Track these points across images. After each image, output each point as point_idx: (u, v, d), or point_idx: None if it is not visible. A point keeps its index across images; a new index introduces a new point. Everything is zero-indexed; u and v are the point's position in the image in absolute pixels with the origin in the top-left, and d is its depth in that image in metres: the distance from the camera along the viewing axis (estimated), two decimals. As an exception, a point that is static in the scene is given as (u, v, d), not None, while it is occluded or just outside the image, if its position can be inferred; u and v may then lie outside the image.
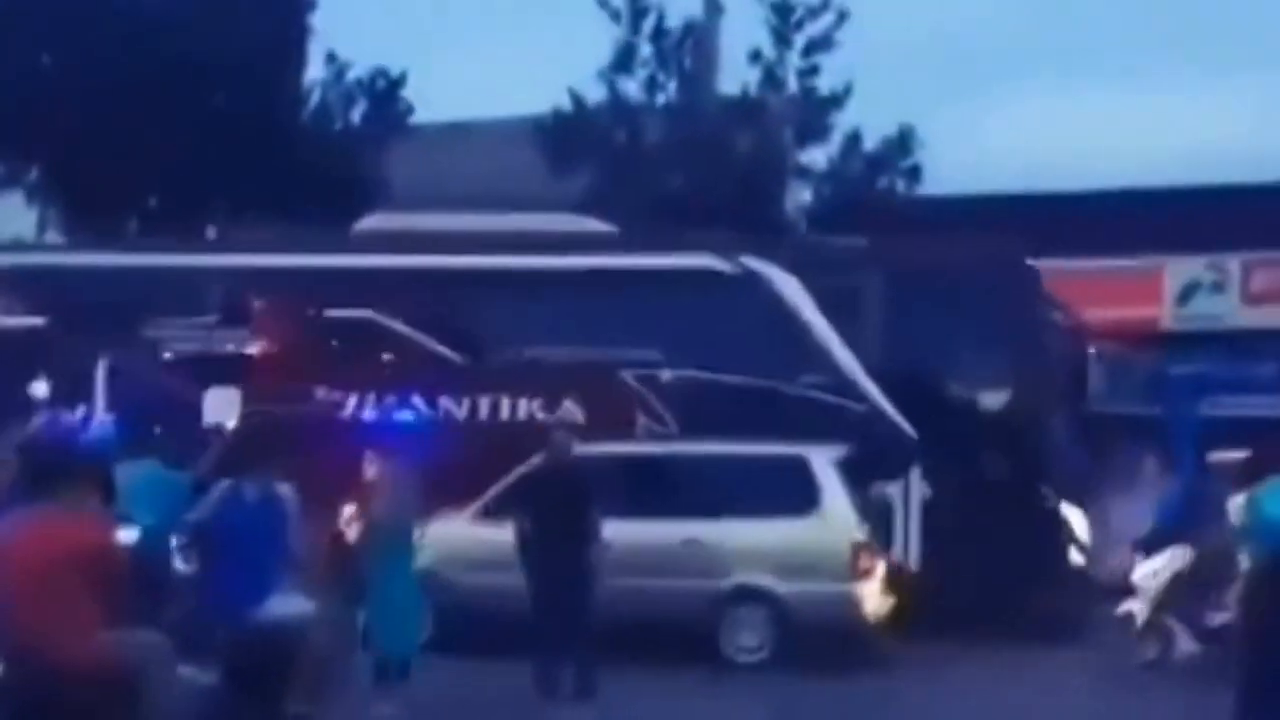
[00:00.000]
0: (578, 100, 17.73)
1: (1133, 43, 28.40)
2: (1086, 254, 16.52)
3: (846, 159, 18.09)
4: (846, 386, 10.57)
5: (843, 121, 17.84)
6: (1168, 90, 27.62)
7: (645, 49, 17.63)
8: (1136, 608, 9.64)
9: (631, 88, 17.67)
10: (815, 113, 17.85)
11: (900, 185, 18.10)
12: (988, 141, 25.37)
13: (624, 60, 17.63)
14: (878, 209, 17.26)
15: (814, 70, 17.69)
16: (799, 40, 17.63)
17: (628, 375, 10.90)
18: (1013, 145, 26.44)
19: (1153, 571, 9.64)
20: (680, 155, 17.25)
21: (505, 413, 11.19)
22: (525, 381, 11.21)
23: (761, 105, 17.77)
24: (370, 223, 12.25)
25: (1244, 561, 7.28)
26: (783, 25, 17.66)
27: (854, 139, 18.05)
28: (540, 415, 10.98)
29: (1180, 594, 9.46)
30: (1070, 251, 16.66)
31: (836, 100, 17.82)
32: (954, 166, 18.87)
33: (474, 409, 11.27)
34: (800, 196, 18.23)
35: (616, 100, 17.65)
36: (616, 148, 17.40)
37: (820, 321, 10.64)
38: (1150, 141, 24.62)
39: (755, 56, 17.67)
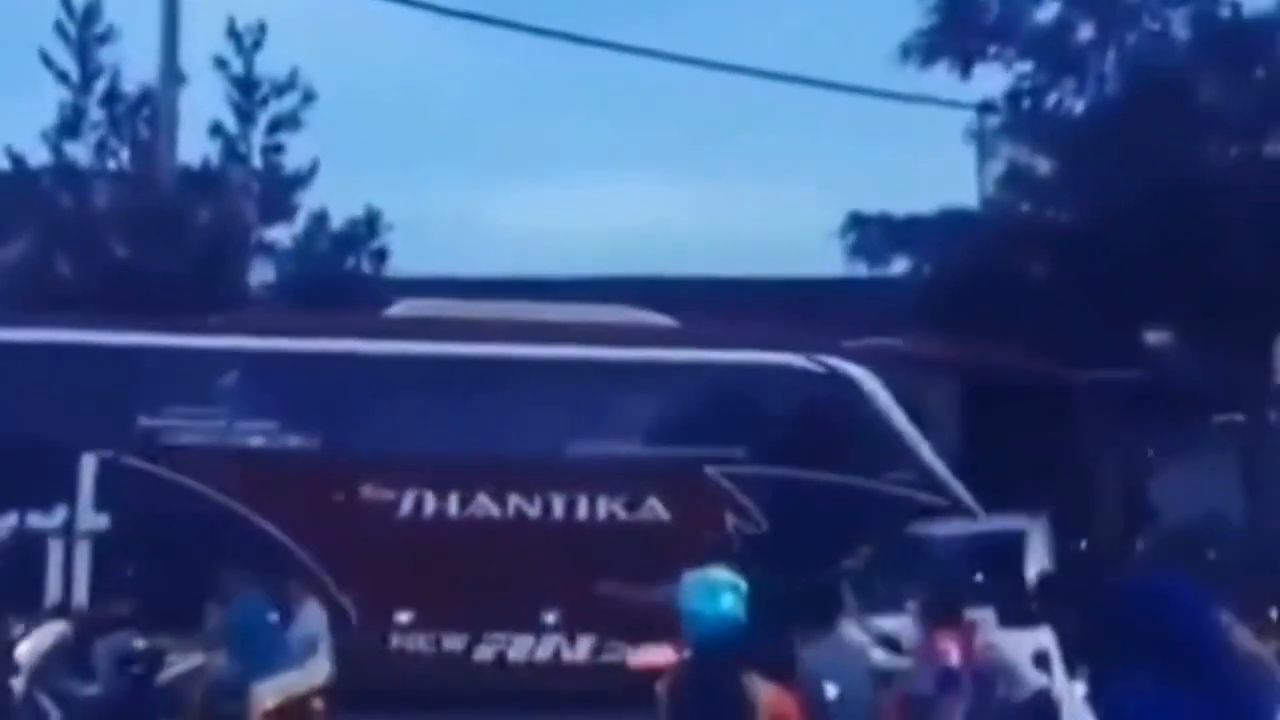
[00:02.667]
0: (17, 161, 16.37)
1: (589, 139, 29.71)
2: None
3: (312, 237, 17.77)
4: (927, 480, 10.57)
5: (308, 200, 17.58)
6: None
7: (96, 113, 16.62)
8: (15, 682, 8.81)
9: (79, 152, 16.59)
10: (279, 189, 17.39)
11: (367, 265, 17.98)
12: (453, 226, 25.66)
13: (72, 123, 16.48)
14: (344, 288, 17.01)
15: (279, 148, 17.30)
16: (263, 116, 17.20)
17: (713, 471, 10.27)
18: (471, 231, 26.78)
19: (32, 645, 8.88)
20: (132, 223, 16.23)
21: (583, 512, 10.30)
22: (606, 478, 10.38)
23: (223, 178, 17.11)
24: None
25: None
26: (246, 101, 17.14)
27: (320, 218, 17.77)
28: (622, 514, 10.26)
29: (52, 667, 8.67)
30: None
31: (301, 179, 17.49)
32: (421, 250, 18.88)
33: (547, 507, 10.33)
34: (264, 273, 17.64)
35: (61, 163, 16.45)
36: (61, 212, 16.16)
37: (899, 417, 10.71)
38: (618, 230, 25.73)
39: (216, 130, 17.07)
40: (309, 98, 17.13)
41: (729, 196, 28.91)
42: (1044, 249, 15.93)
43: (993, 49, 16.60)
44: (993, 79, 16.65)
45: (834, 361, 11.13)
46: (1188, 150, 15.48)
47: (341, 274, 17.52)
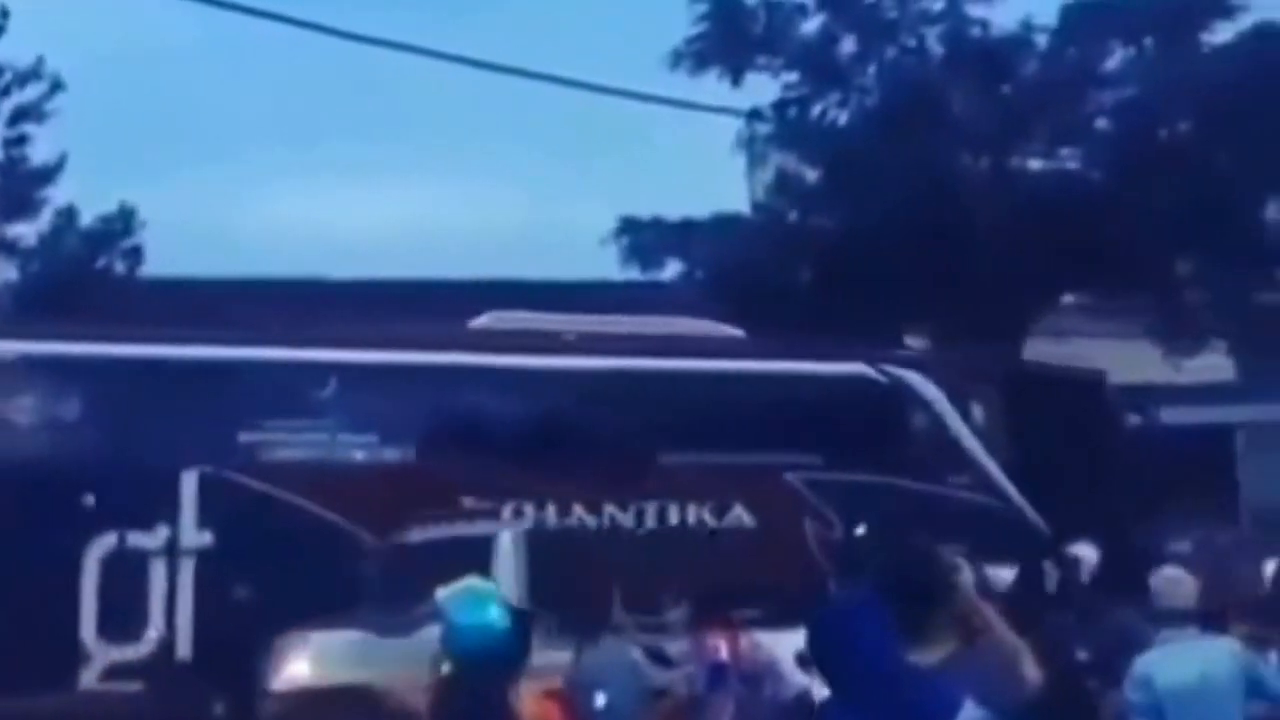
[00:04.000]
0: None
1: (357, 138, 29.00)
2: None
3: (60, 235, 16.73)
4: (985, 483, 10.80)
5: (55, 196, 16.54)
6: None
7: None
8: None
9: None
10: (23, 184, 16.31)
11: (120, 266, 17.03)
12: (209, 225, 24.58)
13: None
14: (95, 289, 16.09)
15: (22, 140, 16.21)
16: (6, 107, 16.11)
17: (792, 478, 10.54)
18: (227, 230, 25.78)
19: None
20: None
21: (673, 519, 10.46)
22: (693, 486, 10.52)
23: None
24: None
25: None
26: (-15, 90, 16.04)
27: (68, 214, 16.75)
28: (710, 520, 10.46)
29: None
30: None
31: (48, 173, 16.44)
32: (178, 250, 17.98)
33: (640, 514, 10.43)
34: (7, 273, 16.53)
35: None
36: None
37: (959, 425, 11.05)
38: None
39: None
40: (56, 87, 16.15)
41: (498, 198, 28.66)
42: (810, 254, 16.30)
43: (761, 59, 16.90)
44: (763, 88, 16.98)
45: (896, 369, 11.35)
46: (941, 161, 16.07)
47: (91, 273, 16.56)
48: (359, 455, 10.40)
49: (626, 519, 10.42)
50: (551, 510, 10.24)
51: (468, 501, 10.13)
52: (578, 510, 10.31)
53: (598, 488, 10.39)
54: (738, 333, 11.74)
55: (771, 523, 10.51)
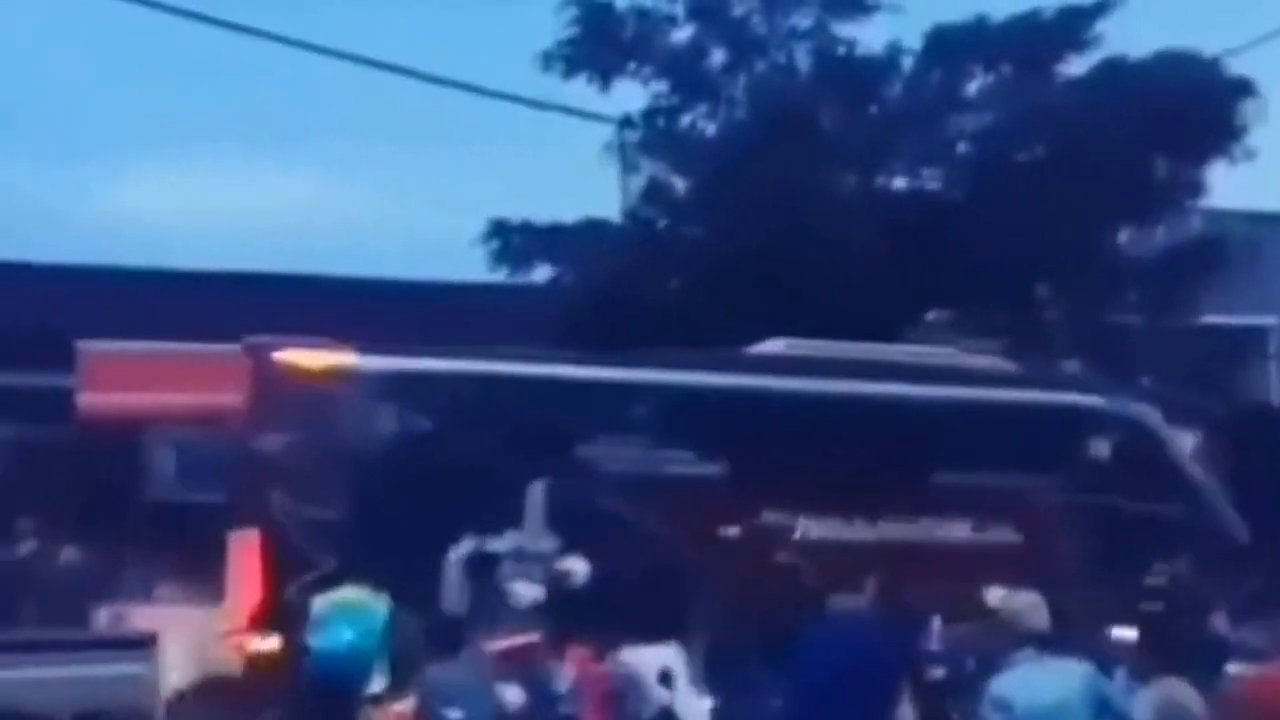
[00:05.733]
0: None
1: (209, 120, 28.11)
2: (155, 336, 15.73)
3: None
4: (1208, 510, 11.54)
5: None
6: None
7: None
8: None
9: None
10: None
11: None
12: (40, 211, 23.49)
13: None
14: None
15: None
16: None
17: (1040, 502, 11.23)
18: (68, 217, 24.73)
19: None
20: None
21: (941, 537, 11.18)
22: (957, 508, 11.24)
23: None
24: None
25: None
26: None
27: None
28: (971, 539, 11.17)
29: None
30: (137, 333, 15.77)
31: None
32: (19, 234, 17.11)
33: (913, 534, 11.17)
34: None
35: None
36: None
37: (1184, 453, 11.75)
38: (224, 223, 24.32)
39: None
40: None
41: (364, 194, 28.07)
42: (679, 263, 16.26)
43: (631, 65, 16.81)
44: (634, 94, 16.90)
45: (1130, 402, 12.20)
46: (808, 175, 16.20)
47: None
48: (678, 469, 10.99)
49: (897, 532, 11.19)
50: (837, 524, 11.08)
51: (769, 516, 10.93)
52: (859, 524, 11.14)
53: (875, 505, 11.16)
54: (998, 364, 12.74)
55: (1025, 541, 11.19)
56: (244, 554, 10.16)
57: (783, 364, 11.82)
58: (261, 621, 9.67)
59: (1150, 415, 12.07)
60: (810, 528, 11.09)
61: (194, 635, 10.20)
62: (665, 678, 8.76)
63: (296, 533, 9.86)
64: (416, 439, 10.44)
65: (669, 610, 9.64)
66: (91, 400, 15.37)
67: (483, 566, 9.73)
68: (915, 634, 9.59)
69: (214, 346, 16.03)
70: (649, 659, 8.83)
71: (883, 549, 10.90)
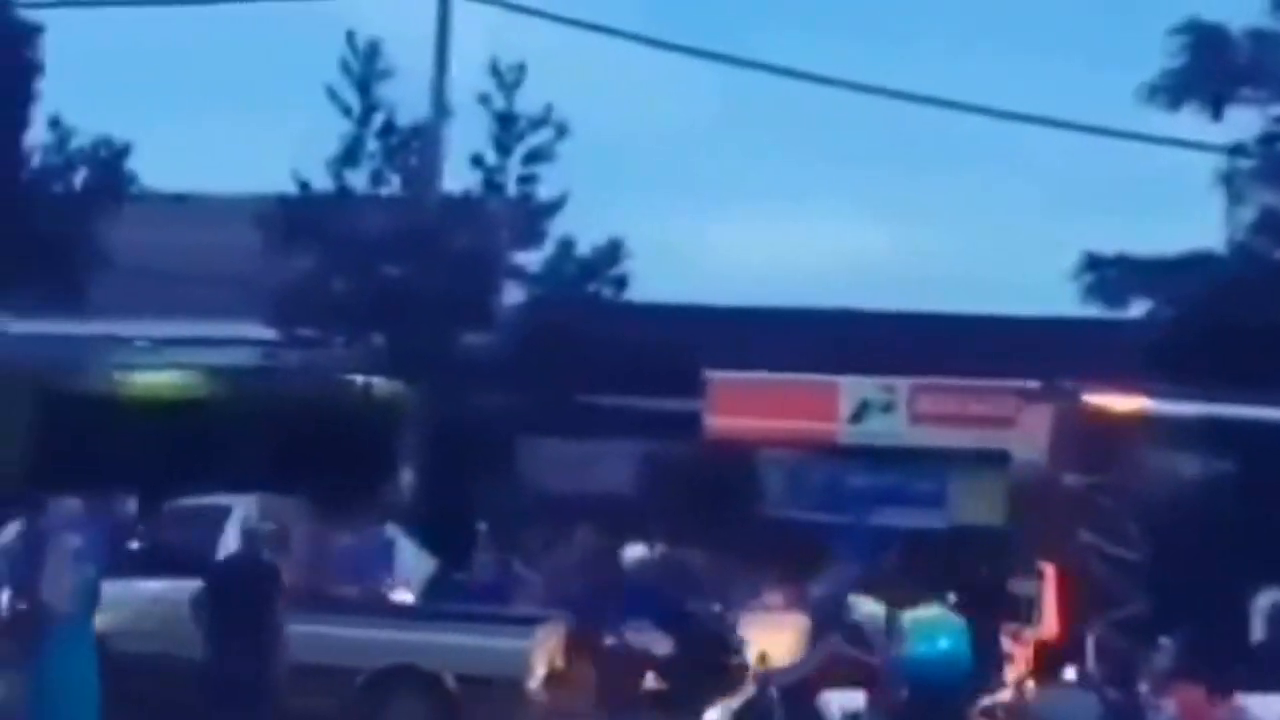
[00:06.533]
0: (303, 185, 17.56)
1: (805, 171, 29.95)
2: (769, 367, 17.30)
3: (559, 263, 18.50)
4: None
5: (556, 228, 18.33)
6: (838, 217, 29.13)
7: (373, 144, 17.73)
8: None
9: (357, 179, 17.72)
10: (531, 218, 18.20)
11: (608, 291, 18.58)
12: (690, 255, 26.22)
13: (352, 152, 17.63)
14: (587, 311, 17.75)
15: (532, 178, 18.10)
16: (520, 149, 18.02)
17: None
18: (712, 259, 27.39)
19: None
20: (399, 248, 17.27)
21: None
22: None
23: (481, 207, 18.01)
24: None
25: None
26: (505, 134, 18.00)
27: (567, 245, 18.50)
28: None
29: None
30: (754, 364, 17.40)
31: (552, 208, 18.25)
32: (659, 277, 19.39)
33: None
34: (514, 296, 18.43)
35: (341, 190, 17.61)
36: (337, 235, 17.27)
37: None
38: (825, 263, 25.91)
39: (477, 161, 17.96)
40: (562, 132, 17.92)
41: (951, 234, 28.71)
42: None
43: (1245, 91, 16.20)
44: (1245, 121, 16.26)
45: None
46: None
47: (585, 297, 18.21)
48: None
49: None
50: None
51: None
52: None
53: None
54: None
55: None
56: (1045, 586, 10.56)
57: None
58: (1057, 650, 10.01)
59: None
60: None
61: (788, 639, 11.20)
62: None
63: (1099, 569, 10.19)
64: (1217, 484, 10.59)
65: None
66: (716, 423, 17.23)
67: None
68: None
69: (815, 377, 17.45)
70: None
71: None
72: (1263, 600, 9.46)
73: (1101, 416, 10.59)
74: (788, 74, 16.86)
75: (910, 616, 8.92)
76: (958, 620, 8.94)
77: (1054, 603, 10.32)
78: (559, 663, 11.12)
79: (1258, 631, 9.38)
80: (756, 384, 17.62)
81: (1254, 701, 8.66)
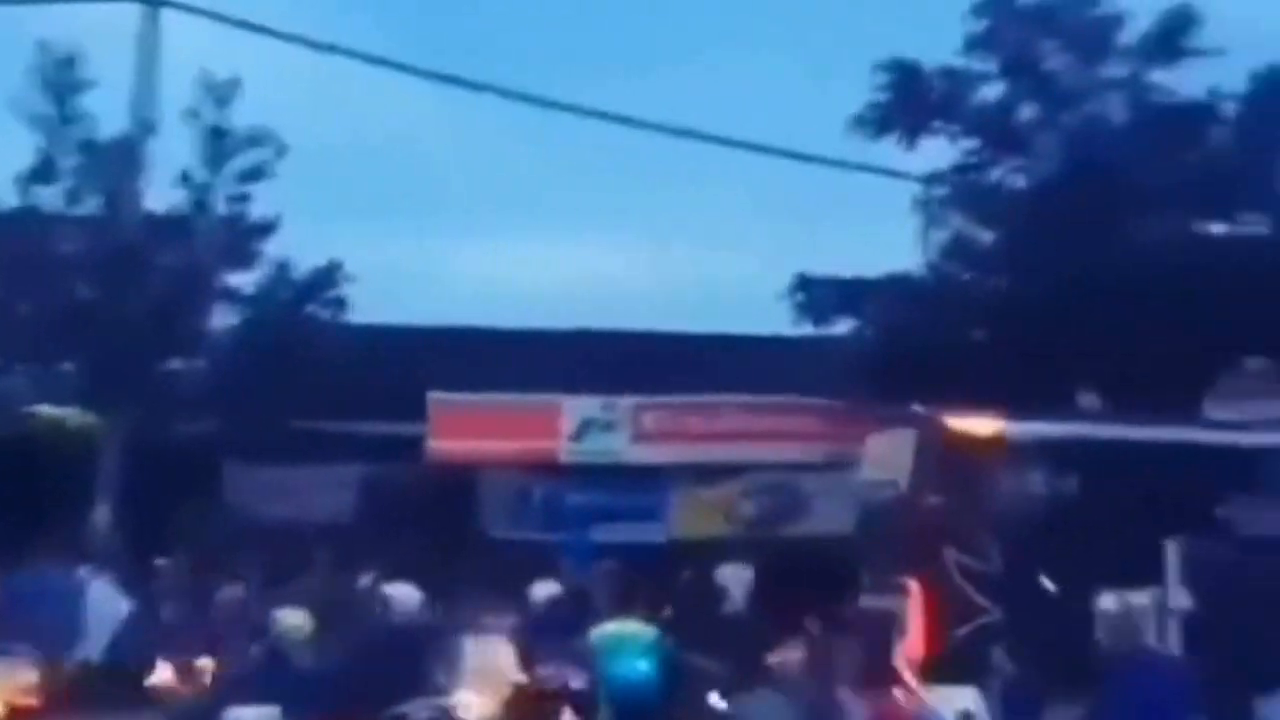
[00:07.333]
0: (-9, 203, 16.47)
1: (533, 192, 30.09)
2: (491, 388, 17.15)
3: (273, 285, 17.88)
4: None
5: (271, 249, 17.70)
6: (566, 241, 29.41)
7: (70, 159, 16.75)
8: None
9: (52, 196, 16.68)
10: (243, 238, 17.53)
11: (326, 313, 18.07)
12: (414, 277, 25.87)
13: (45, 167, 16.60)
14: (301, 333, 17.24)
15: (244, 197, 17.43)
16: (231, 167, 17.33)
17: None
18: (437, 281, 27.11)
19: None
20: (96, 269, 16.35)
21: None
22: None
23: (187, 226, 17.24)
24: None
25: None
26: (215, 150, 17.28)
27: (283, 266, 17.90)
28: None
29: None
30: (476, 385, 17.22)
31: (266, 228, 17.63)
32: (381, 299, 19.00)
33: None
34: (226, 318, 17.74)
35: (31, 207, 16.55)
36: (25, 256, 16.23)
37: None
38: (554, 286, 26.06)
39: (185, 178, 17.19)
40: (279, 151, 17.32)
41: (676, 258, 29.34)
42: (984, 314, 16.30)
43: (937, 124, 17.07)
44: (940, 152, 17.14)
45: None
46: (1120, 223, 15.93)
47: (300, 320, 17.64)
48: None
49: None
50: None
51: None
52: None
53: None
54: None
55: None
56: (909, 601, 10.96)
57: None
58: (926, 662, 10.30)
59: None
60: None
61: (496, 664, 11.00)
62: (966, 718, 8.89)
63: (961, 584, 10.56)
64: (1061, 499, 11.08)
65: None
66: (438, 445, 16.95)
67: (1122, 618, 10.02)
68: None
69: (537, 397, 17.41)
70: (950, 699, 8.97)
71: None
72: (1103, 602, 9.99)
73: (961, 439, 11.08)
74: (516, 97, 16.85)
75: (603, 633, 8.86)
76: (652, 635, 8.93)
77: (920, 617, 10.70)
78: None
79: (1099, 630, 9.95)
80: (478, 406, 17.46)
81: (942, 694, 8.97)
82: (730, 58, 31.61)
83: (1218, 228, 16.54)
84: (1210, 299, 14.74)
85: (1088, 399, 15.24)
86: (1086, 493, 10.98)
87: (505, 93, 16.84)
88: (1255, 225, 16.32)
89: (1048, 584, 10.39)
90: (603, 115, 16.11)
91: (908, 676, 9.14)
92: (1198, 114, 16.49)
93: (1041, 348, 14.93)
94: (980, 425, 11.18)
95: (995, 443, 11.07)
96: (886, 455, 12.09)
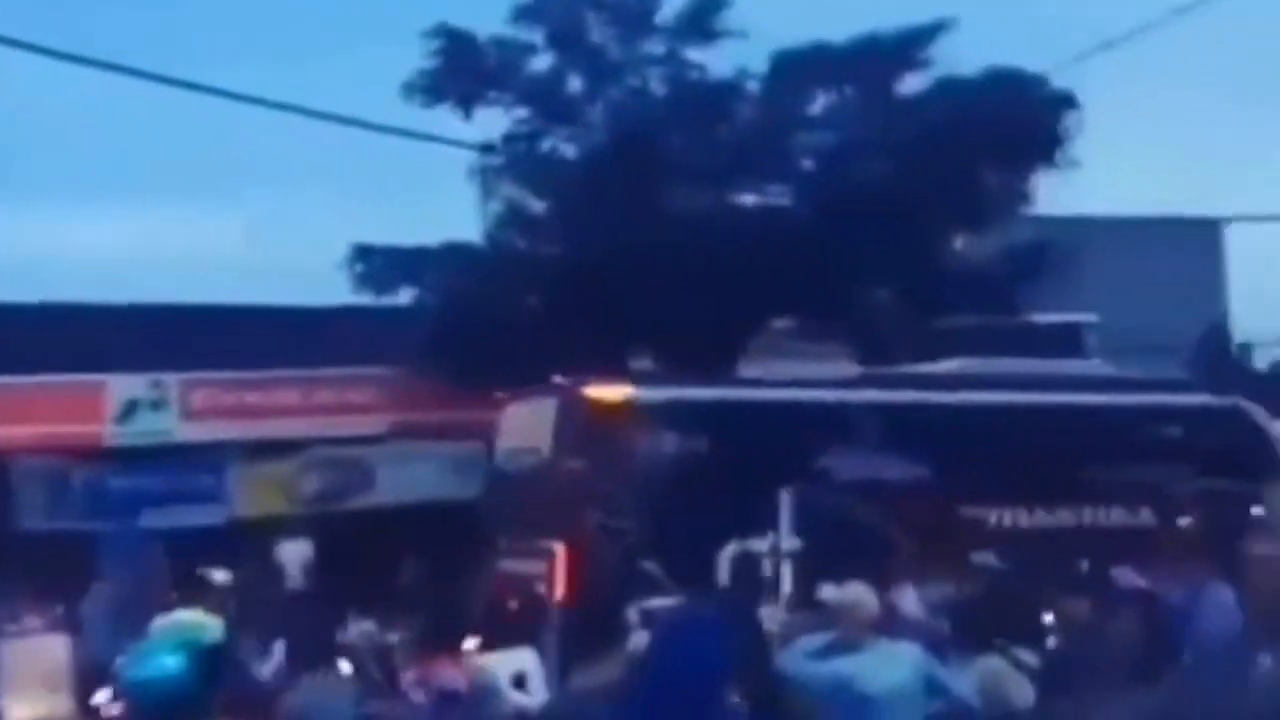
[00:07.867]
0: None
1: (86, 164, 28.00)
2: (24, 370, 15.88)
3: None
4: None
5: None
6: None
7: None
8: None
9: None
10: None
11: None
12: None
13: None
14: None
15: None
16: None
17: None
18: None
19: None
20: None
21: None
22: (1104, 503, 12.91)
23: None
24: None
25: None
26: None
27: None
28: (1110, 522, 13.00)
29: None
30: (7, 366, 15.90)
31: None
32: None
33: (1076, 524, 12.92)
34: None
35: None
36: None
37: None
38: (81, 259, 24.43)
39: None
40: None
41: (225, 223, 28.22)
42: (539, 282, 16.75)
43: (492, 94, 17.30)
44: (495, 121, 17.39)
45: (1239, 400, 13.80)
46: (661, 195, 16.81)
47: None
48: (899, 476, 12.43)
49: (1063, 520, 12.86)
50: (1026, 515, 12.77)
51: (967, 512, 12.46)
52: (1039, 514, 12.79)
53: (1050, 497, 12.81)
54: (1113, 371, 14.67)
55: (1162, 525, 12.58)
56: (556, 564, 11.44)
57: (965, 380, 13.33)
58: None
59: (1256, 409, 13.81)
60: (1003, 518, 12.74)
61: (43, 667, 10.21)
62: (519, 681, 9.09)
63: (606, 545, 11.24)
64: (691, 457, 11.90)
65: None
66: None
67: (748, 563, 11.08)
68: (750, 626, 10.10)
69: (76, 377, 16.31)
70: (507, 663, 9.15)
71: (1052, 533, 12.55)
72: (730, 550, 10.81)
73: (599, 406, 11.86)
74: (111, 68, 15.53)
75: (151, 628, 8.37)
76: (201, 625, 8.47)
77: (565, 579, 11.20)
78: None
79: (724, 576, 10.74)
80: (10, 388, 16.16)
81: (497, 658, 9.21)
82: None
83: (748, 198, 17.76)
84: (743, 265, 15.87)
85: (640, 362, 16.04)
86: (713, 451, 11.96)
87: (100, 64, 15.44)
88: (779, 197, 17.65)
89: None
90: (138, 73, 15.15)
91: (467, 645, 9.33)
92: (726, 91, 17.60)
93: (594, 313, 15.53)
94: (614, 392, 12.01)
95: (628, 407, 11.89)
96: (527, 424, 12.73)
